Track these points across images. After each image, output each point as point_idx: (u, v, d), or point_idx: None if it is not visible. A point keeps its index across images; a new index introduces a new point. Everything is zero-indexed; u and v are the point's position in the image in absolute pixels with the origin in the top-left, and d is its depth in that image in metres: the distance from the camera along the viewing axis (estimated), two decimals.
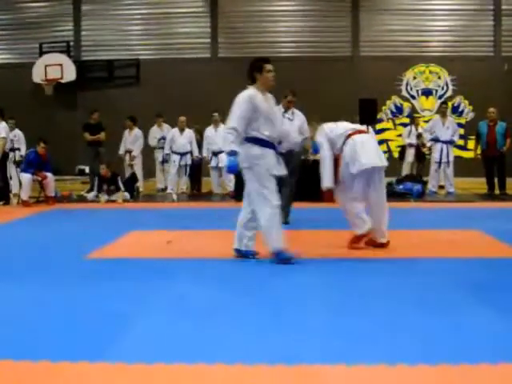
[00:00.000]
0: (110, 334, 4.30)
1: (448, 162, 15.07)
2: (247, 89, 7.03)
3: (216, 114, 15.05)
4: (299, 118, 10.53)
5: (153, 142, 16.49)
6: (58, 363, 3.70)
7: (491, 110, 14.77)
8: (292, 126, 10.41)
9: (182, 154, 15.23)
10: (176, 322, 4.58)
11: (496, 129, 14.64)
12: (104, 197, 13.66)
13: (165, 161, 15.80)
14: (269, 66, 7.13)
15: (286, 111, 10.42)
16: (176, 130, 15.39)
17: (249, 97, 6.88)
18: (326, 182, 7.45)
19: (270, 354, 3.84)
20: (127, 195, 13.88)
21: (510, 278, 6.12)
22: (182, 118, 15.33)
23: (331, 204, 7.91)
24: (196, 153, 15.36)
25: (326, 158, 7.49)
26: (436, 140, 15.18)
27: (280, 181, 10.39)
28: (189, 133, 15.37)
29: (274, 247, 6.67)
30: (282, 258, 6.64)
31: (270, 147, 6.92)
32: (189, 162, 15.35)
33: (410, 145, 16.35)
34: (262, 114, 6.84)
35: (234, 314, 4.78)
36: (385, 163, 7.51)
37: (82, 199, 14.09)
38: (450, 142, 15.20)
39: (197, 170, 15.70)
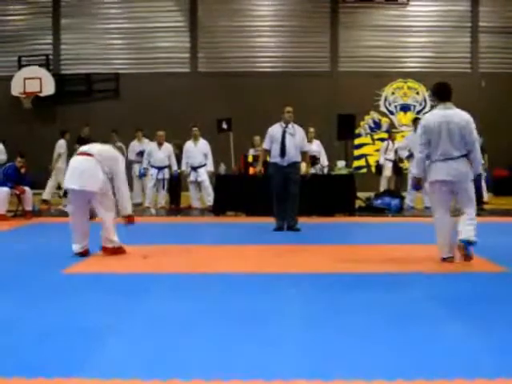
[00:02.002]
0: (85, 349, 4.26)
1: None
2: (452, 108, 7.71)
3: (196, 129, 15.05)
4: (300, 132, 10.80)
5: (132, 155, 16.37)
6: (32, 380, 3.66)
7: None
8: (293, 140, 10.65)
9: (160, 168, 15.19)
10: (152, 337, 4.56)
11: None
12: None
13: (142, 175, 15.70)
14: None
15: (287, 125, 10.68)
16: (154, 145, 15.36)
17: None
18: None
19: (247, 370, 3.83)
20: None
21: (486, 292, 6.16)
22: (161, 133, 15.26)
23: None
24: (175, 167, 15.30)
25: None
26: (413, 155, 15.24)
27: (287, 191, 10.63)
28: (167, 147, 15.32)
29: None
30: None
31: None
32: (167, 176, 15.29)
33: (388, 160, 16.41)
34: None
35: (210, 329, 4.76)
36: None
37: (60, 213, 13.97)
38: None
39: (176, 185, 15.64)
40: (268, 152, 11.06)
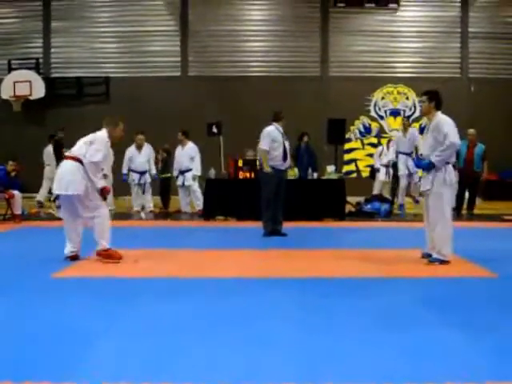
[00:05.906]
0: (75, 353, 4.25)
1: (411, 174, 14.98)
2: (439, 114, 7.94)
3: (180, 134, 14.88)
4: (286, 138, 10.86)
5: None
6: (20, 383, 3.66)
7: (471, 131, 14.78)
8: (287, 144, 10.75)
9: (141, 173, 15.10)
10: (141, 341, 4.55)
11: (474, 150, 14.68)
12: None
13: (125, 181, 15.19)
14: None
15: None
16: (133, 149, 15.08)
17: None
18: None
19: (237, 373, 3.85)
20: None
21: (476, 296, 6.18)
22: (141, 136, 15.00)
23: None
24: (153, 170, 15.17)
25: None
26: (399, 153, 15.13)
27: (278, 196, 10.61)
28: (147, 150, 15.13)
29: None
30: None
31: None
32: (148, 180, 15.12)
33: (382, 165, 16.31)
34: None
35: (200, 333, 4.76)
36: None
37: (49, 217, 13.93)
38: (410, 154, 14.98)
39: (166, 189, 15.60)
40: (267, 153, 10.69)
